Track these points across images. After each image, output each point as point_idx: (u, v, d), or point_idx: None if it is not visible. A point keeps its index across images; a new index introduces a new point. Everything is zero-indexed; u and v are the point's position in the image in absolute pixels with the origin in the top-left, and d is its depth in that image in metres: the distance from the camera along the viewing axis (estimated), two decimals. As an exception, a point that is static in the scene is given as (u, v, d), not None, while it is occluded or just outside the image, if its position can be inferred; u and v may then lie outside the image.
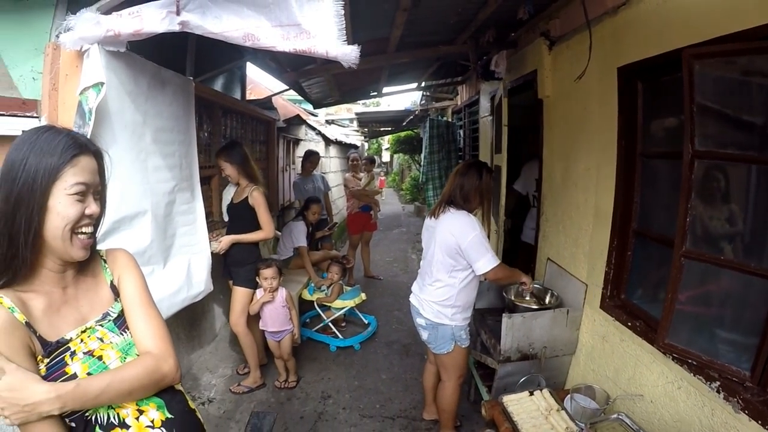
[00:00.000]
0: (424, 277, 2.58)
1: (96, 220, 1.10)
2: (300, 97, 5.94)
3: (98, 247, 1.25)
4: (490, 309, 3.04)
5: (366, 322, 4.49)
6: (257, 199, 3.05)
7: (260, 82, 7.75)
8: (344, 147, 11.92)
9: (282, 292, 3.24)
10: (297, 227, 4.64)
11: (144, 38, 1.92)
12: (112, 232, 2.16)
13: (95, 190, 1.08)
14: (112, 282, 1.20)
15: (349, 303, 4.20)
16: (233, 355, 3.82)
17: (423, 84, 6.60)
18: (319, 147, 8.31)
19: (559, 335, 2.57)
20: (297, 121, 6.86)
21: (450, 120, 7.08)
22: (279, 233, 4.68)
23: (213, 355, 3.83)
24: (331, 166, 9.44)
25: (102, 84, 1.88)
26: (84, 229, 1.05)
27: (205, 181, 3.55)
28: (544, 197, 3.25)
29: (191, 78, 2.77)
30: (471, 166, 2.50)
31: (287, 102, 8.27)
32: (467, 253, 2.32)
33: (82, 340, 1.06)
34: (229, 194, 3.28)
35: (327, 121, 12.91)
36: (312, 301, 4.24)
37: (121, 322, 1.16)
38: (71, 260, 1.07)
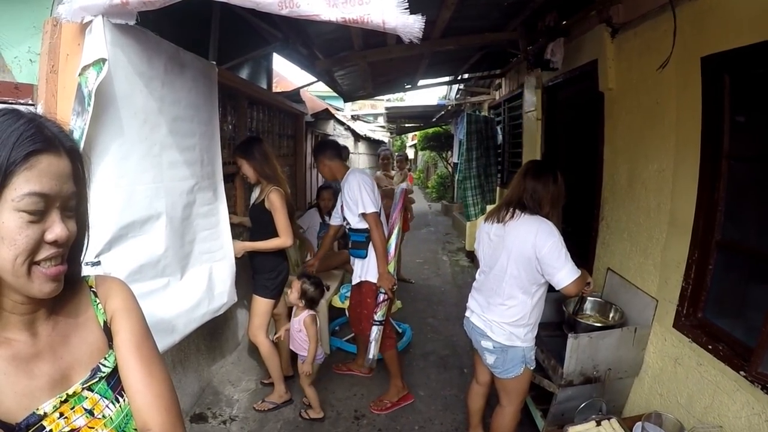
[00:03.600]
0: (490, 295, 2.21)
1: (68, 246, 0.74)
2: (325, 93, 5.64)
3: (87, 273, 0.91)
4: (543, 323, 2.63)
5: (400, 330, 4.13)
6: (274, 201, 2.70)
7: (286, 76, 7.45)
8: (371, 143, 11.58)
9: (304, 315, 2.83)
10: (308, 214, 4.43)
11: (159, 7, 1.59)
12: (118, 240, 1.82)
13: (65, 204, 0.72)
14: (105, 323, 0.86)
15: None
16: (257, 365, 3.52)
17: (460, 77, 6.17)
18: (348, 143, 7.99)
19: (625, 356, 2.30)
20: (325, 115, 6.54)
21: (488, 115, 6.64)
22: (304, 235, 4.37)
23: (235, 366, 3.54)
24: (359, 162, 9.13)
25: (104, 61, 1.55)
26: (46, 261, 0.70)
27: (228, 178, 3.23)
28: (605, 201, 2.91)
29: (214, 63, 2.43)
30: (544, 168, 2.19)
31: (314, 96, 7.99)
32: (544, 262, 2.00)
33: (62, 415, 0.73)
34: (255, 193, 2.94)
35: (352, 117, 12.62)
36: (343, 309, 3.90)
37: (116, 380, 0.83)
38: (37, 297, 0.72)
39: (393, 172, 5.84)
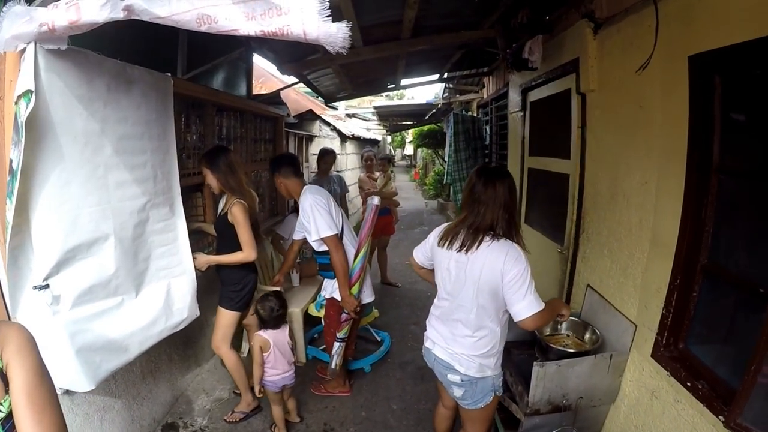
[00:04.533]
0: (454, 326, 1.98)
1: None
2: (327, 104, 5.58)
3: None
4: (517, 342, 2.59)
5: (378, 338, 4.09)
6: (236, 215, 2.64)
7: (273, 75, 7.38)
8: (363, 143, 11.52)
9: (285, 327, 2.81)
10: (287, 220, 4.29)
11: (86, 31, 1.56)
12: (65, 263, 1.84)
13: None
14: (1, 369, 0.87)
15: (362, 322, 3.81)
16: (232, 374, 3.51)
17: (446, 75, 6.11)
18: (334, 143, 7.95)
19: (599, 383, 2.16)
20: (310, 116, 6.50)
21: (475, 115, 6.57)
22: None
23: (211, 374, 3.54)
24: (347, 163, 9.07)
25: (31, 92, 1.53)
26: None
27: (196, 189, 3.22)
28: (586, 212, 2.78)
29: (168, 75, 2.40)
30: (505, 177, 1.90)
31: (301, 95, 7.94)
32: (506, 289, 1.79)
33: None
34: (221, 203, 2.92)
35: (348, 115, 12.55)
36: (320, 317, 3.88)
37: (11, 425, 0.84)
38: None
39: (377, 174, 5.79)
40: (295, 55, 3.29)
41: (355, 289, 2.88)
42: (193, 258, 2.73)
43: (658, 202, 1.99)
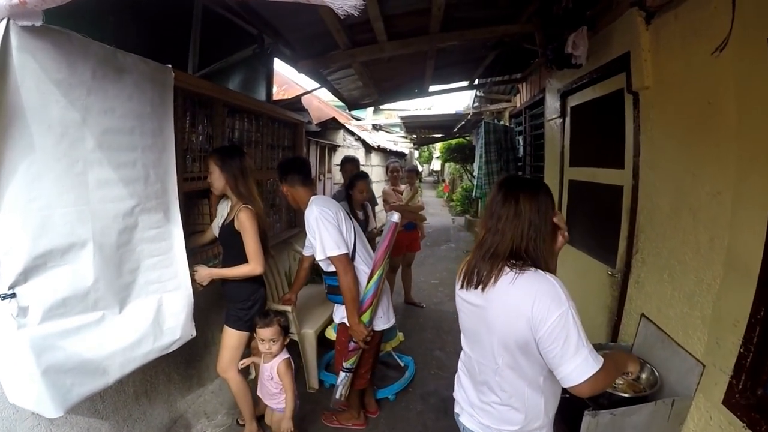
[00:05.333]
0: (482, 389, 1.49)
1: None
2: (351, 110, 5.34)
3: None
4: None
5: (402, 364, 3.73)
6: (244, 222, 2.38)
7: (297, 84, 7.21)
8: (390, 155, 11.26)
9: (275, 361, 2.48)
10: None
11: (60, 4, 1.35)
12: (34, 270, 1.59)
13: None
14: None
15: (386, 347, 3.47)
16: (238, 397, 3.21)
17: (476, 81, 5.78)
18: (358, 154, 7.70)
19: None
20: (334, 124, 6.27)
21: (507, 124, 6.21)
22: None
23: (215, 396, 3.23)
24: (372, 175, 8.79)
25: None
26: None
27: (202, 195, 2.96)
28: (640, 229, 2.40)
29: (169, 66, 2.16)
30: (533, 188, 1.40)
31: (325, 105, 7.74)
32: (545, 347, 1.27)
33: None
34: (224, 209, 2.65)
35: (374, 127, 12.34)
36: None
37: None
38: None
39: (403, 187, 5.47)
40: (313, 50, 3.03)
41: (366, 317, 2.51)
42: (193, 271, 2.47)
43: (735, 217, 1.64)
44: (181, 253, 2.22)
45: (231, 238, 2.46)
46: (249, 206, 2.44)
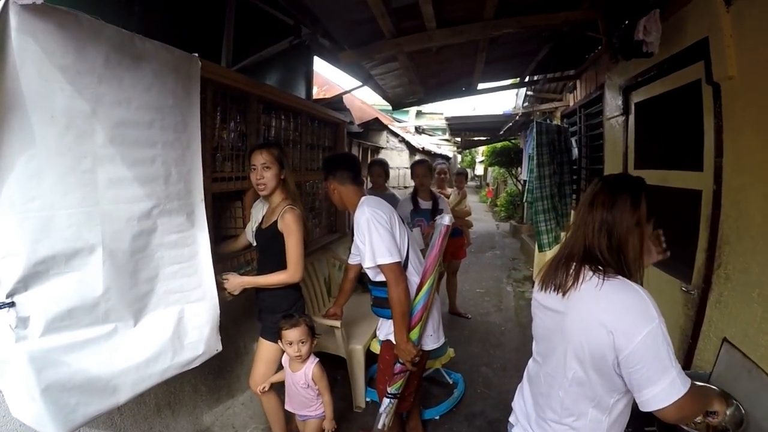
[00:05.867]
0: (541, 403, 1.36)
1: None
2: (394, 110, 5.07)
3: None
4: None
5: (451, 381, 3.40)
6: (290, 224, 2.17)
7: (339, 85, 7.02)
8: (434, 158, 10.92)
9: (309, 366, 2.26)
10: (400, 204, 3.74)
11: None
12: (35, 278, 1.42)
13: None
14: None
15: (435, 363, 3.19)
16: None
17: (527, 79, 5.39)
18: (402, 156, 7.43)
19: None
20: (377, 126, 6.04)
21: (561, 124, 5.75)
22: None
23: (245, 408, 3.02)
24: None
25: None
26: None
27: (235, 197, 2.77)
28: (724, 240, 2.04)
29: (195, 55, 1.96)
30: (619, 186, 1.25)
31: (368, 106, 7.52)
32: (629, 367, 1.10)
33: None
34: (259, 213, 2.44)
35: (416, 129, 12.06)
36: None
37: None
38: None
39: (450, 191, 5.14)
40: (355, 39, 2.77)
41: (414, 334, 2.21)
42: (223, 279, 2.27)
43: None
44: (206, 261, 2.01)
45: (272, 242, 2.25)
46: (295, 207, 2.23)
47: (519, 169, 10.94)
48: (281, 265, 2.21)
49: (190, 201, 1.93)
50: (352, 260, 2.64)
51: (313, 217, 4.11)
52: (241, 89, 2.52)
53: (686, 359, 2.24)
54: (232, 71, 2.47)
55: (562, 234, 4.48)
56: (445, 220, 2.27)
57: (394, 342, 2.20)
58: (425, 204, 3.89)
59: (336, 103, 4.67)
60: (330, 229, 4.50)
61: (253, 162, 2.23)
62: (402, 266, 2.19)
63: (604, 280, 1.16)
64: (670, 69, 2.56)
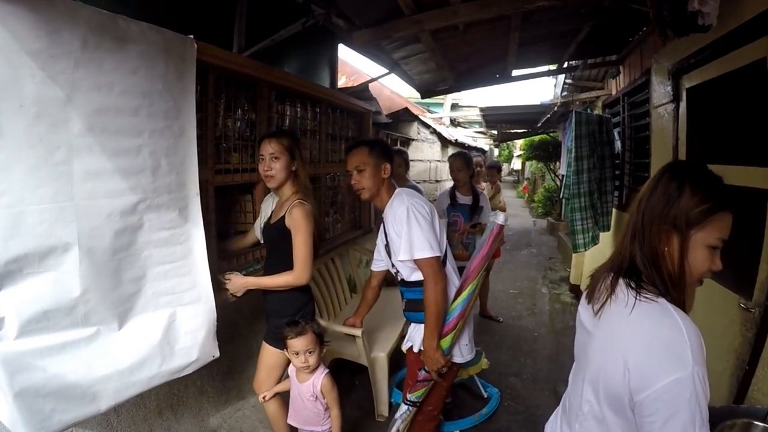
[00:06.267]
0: (566, 421, 1.19)
1: None
2: (427, 100, 4.82)
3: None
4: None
5: (485, 394, 3.15)
6: (298, 219, 2.00)
7: (365, 73, 6.77)
8: (470, 151, 10.56)
9: (317, 377, 2.09)
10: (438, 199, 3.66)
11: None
12: (7, 278, 1.33)
13: None
14: None
15: (465, 373, 3.00)
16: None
17: (565, 64, 5.01)
18: (434, 149, 7.16)
19: None
20: (407, 116, 5.81)
21: (603, 114, 5.33)
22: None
23: (256, 411, 2.90)
24: (449, 173, 8.17)
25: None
26: None
27: (244, 190, 2.63)
28: None
29: (191, 37, 1.81)
30: (673, 174, 0.99)
31: (397, 95, 7.29)
32: (642, 416, 0.89)
33: None
34: (269, 207, 2.29)
35: (451, 122, 11.70)
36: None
37: None
38: None
39: (483, 185, 4.88)
40: (371, 17, 2.55)
41: (446, 342, 1.97)
42: (225, 280, 2.14)
43: None
44: (201, 260, 1.87)
45: (280, 238, 2.09)
46: (305, 202, 2.06)
47: (557, 163, 10.44)
48: (288, 265, 2.05)
49: (183, 195, 1.79)
50: (376, 266, 2.37)
51: (334, 212, 3.94)
52: (248, 74, 2.36)
53: (739, 388, 1.94)
54: (237, 55, 2.31)
55: (601, 234, 4.15)
56: (500, 218, 2.02)
57: (424, 347, 1.96)
58: (464, 199, 3.70)
59: (362, 92, 4.48)
60: (353, 225, 4.33)
61: (261, 152, 2.08)
62: (441, 262, 1.97)
63: (637, 300, 0.94)
64: (728, 47, 2.24)
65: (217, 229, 2.37)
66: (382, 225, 2.16)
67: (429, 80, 4.41)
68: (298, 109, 3.07)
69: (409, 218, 1.90)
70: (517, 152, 20.07)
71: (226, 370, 2.73)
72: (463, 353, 2.08)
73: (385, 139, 5.54)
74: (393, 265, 2.12)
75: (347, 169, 2.10)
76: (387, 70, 4.12)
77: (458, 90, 4.99)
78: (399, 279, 2.11)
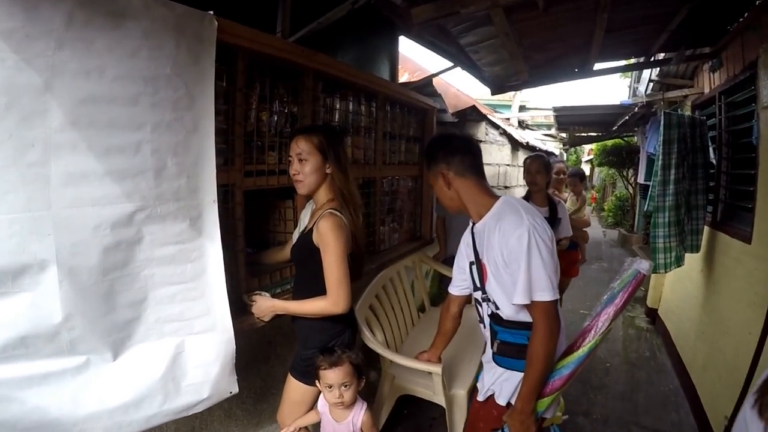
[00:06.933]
0: None
1: None
2: (495, 101, 4.34)
3: None
4: None
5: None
6: (326, 234, 1.64)
7: (427, 69, 6.26)
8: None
9: (356, 414, 1.76)
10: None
11: None
12: None
13: None
14: None
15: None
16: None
17: (653, 58, 4.30)
18: (503, 152, 6.60)
19: None
20: (475, 116, 5.33)
21: (696, 116, 4.51)
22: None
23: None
24: (519, 178, 7.52)
25: None
26: None
27: (285, 194, 2.33)
28: None
29: (210, 12, 1.52)
30: None
31: (463, 93, 6.80)
32: None
33: None
34: (307, 215, 1.96)
35: (520, 123, 10.98)
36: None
37: None
38: None
39: (565, 195, 4.33)
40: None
41: (543, 404, 1.52)
42: (250, 301, 1.85)
43: None
44: (218, 280, 1.57)
45: (306, 257, 1.76)
46: (337, 212, 1.71)
47: (631, 170, 9.56)
48: (317, 288, 1.71)
49: (195, 202, 1.50)
50: (457, 289, 1.91)
51: (392, 221, 3.56)
52: (286, 59, 2.02)
53: None
54: (271, 36, 1.98)
55: (687, 255, 3.48)
56: (644, 266, 1.51)
57: (515, 405, 1.51)
58: (539, 210, 3.17)
59: (425, 87, 4.09)
60: (412, 236, 3.93)
61: (290, 152, 1.78)
62: (556, 305, 1.51)
63: None
64: None
65: (251, 240, 2.09)
66: (468, 237, 1.71)
67: (500, 74, 3.91)
68: (351, 103, 2.73)
69: (530, 247, 1.42)
70: (585, 157, 18.71)
71: (259, 391, 2.46)
72: (552, 409, 1.61)
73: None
74: (483, 292, 1.63)
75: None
76: (451, 64, 3.71)
77: (532, 86, 4.44)
78: (490, 312, 1.62)
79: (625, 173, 10.30)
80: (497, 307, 1.57)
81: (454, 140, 1.69)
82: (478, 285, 1.65)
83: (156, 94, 1.35)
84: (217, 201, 1.55)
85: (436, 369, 2.15)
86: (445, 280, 3.92)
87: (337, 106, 2.59)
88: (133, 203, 1.32)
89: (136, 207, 1.33)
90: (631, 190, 10.25)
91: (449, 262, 3.67)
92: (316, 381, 1.74)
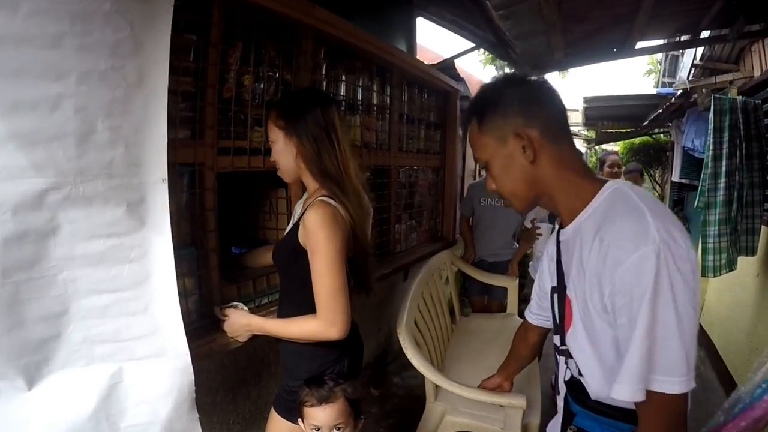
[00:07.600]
0: None
1: None
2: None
3: None
4: None
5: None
6: (313, 231, 1.25)
7: (434, 50, 5.80)
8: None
9: None
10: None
11: None
12: None
13: None
14: None
15: None
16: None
17: (699, 36, 3.84)
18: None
19: None
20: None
21: (751, 100, 4.01)
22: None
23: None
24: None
25: None
26: None
27: (275, 182, 1.94)
28: None
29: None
30: None
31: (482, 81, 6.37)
32: None
33: None
34: (299, 208, 1.57)
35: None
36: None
37: None
38: None
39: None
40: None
41: None
42: (223, 315, 1.48)
43: None
44: (167, 288, 1.16)
45: (288, 259, 1.39)
46: (330, 199, 1.32)
47: (658, 169, 9.07)
48: (306, 300, 1.32)
49: (136, 181, 1.10)
50: (535, 319, 1.41)
51: (410, 218, 3.15)
52: (279, 13, 1.61)
53: None
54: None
55: (739, 258, 3.02)
56: None
57: None
58: None
59: (446, 70, 3.68)
60: (432, 236, 3.51)
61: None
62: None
63: None
64: None
65: (241, 239, 1.71)
66: (552, 248, 1.12)
67: (533, 50, 3.42)
68: (361, 77, 2.33)
69: (659, 285, 0.77)
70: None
71: (249, 417, 2.09)
72: None
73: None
74: (561, 341, 1.04)
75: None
76: (473, 44, 3.28)
77: (567, 67, 4.01)
78: (569, 378, 1.06)
79: (652, 172, 9.76)
80: (580, 373, 0.98)
81: (537, 84, 0.99)
82: (558, 327, 1.07)
83: (87, 35, 0.96)
84: (167, 180, 1.15)
85: (520, 402, 1.70)
86: (469, 284, 3.50)
87: (343, 78, 2.19)
88: (45, 178, 0.94)
89: (49, 184, 0.94)
90: (659, 189, 9.76)
91: (479, 266, 3.28)
92: (299, 420, 1.36)
